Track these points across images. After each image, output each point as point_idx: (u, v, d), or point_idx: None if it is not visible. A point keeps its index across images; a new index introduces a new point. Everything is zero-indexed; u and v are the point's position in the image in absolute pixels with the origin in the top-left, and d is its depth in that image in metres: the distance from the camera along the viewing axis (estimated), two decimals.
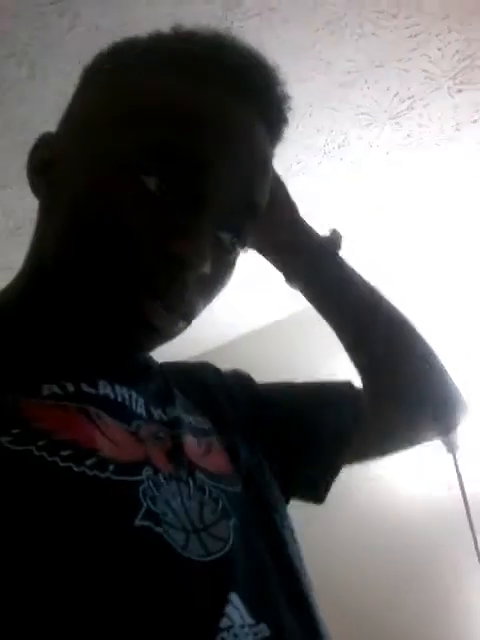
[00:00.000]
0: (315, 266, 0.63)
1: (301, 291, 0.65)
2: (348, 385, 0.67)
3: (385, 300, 0.66)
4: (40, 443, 0.39)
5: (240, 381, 0.64)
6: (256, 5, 1.23)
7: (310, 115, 1.52)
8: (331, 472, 0.62)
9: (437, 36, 1.32)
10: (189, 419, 0.52)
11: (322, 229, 0.67)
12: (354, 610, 1.95)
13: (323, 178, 1.76)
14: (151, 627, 0.36)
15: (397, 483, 2.05)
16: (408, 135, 1.61)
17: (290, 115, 0.51)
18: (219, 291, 0.50)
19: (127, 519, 0.39)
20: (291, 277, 0.64)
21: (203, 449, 0.50)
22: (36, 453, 0.38)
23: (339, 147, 1.65)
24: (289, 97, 0.50)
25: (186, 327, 0.48)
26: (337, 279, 0.64)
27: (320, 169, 1.72)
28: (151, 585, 0.37)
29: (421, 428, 0.68)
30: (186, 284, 0.44)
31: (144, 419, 0.47)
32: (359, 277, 0.66)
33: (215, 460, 0.50)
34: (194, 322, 0.49)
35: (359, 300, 0.65)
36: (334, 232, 0.66)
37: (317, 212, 1.91)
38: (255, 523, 0.47)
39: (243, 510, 0.47)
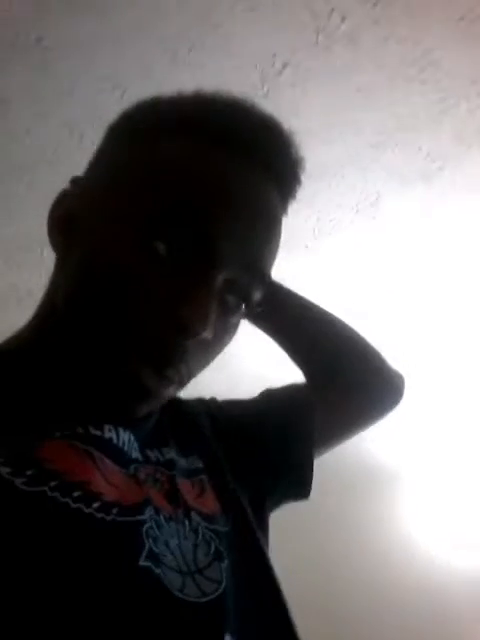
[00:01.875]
0: (274, 300, 0.68)
1: (256, 321, 0.71)
2: (297, 387, 0.72)
3: (328, 312, 0.76)
4: (53, 484, 0.40)
5: (215, 408, 0.65)
6: (293, 75, 1.29)
7: (342, 175, 1.56)
8: (310, 467, 0.65)
9: (466, 99, 1.36)
10: (182, 461, 0.53)
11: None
12: None
13: (355, 236, 1.78)
14: None
15: (432, 552, 1.96)
16: (441, 194, 1.63)
17: (303, 176, 0.52)
18: (219, 354, 0.50)
19: (132, 559, 0.40)
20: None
21: (197, 491, 0.51)
22: (49, 494, 0.39)
23: (371, 205, 1.67)
24: (302, 159, 0.51)
25: (180, 390, 0.49)
26: (291, 306, 0.73)
27: (352, 227, 1.75)
28: (152, 625, 0.38)
29: (367, 409, 0.75)
30: (185, 350, 0.45)
31: (140, 462, 0.48)
32: (301, 296, 0.75)
33: (208, 501, 0.51)
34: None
35: (314, 317, 0.75)
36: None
37: (349, 270, 1.93)
38: (246, 563, 0.48)
39: (234, 550, 0.48)
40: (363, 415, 0.75)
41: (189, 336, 0.43)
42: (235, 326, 0.50)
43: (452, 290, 2.06)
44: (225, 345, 0.50)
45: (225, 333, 0.49)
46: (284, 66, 1.27)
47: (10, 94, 1.30)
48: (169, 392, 0.47)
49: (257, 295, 0.49)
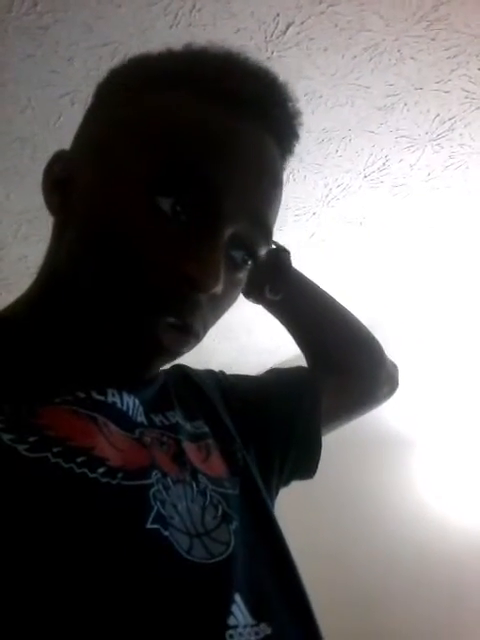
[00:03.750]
0: (285, 280, 0.70)
1: (268, 304, 0.72)
2: (303, 369, 0.74)
3: (333, 299, 0.78)
4: (55, 450, 0.40)
5: (224, 381, 0.66)
6: (296, 36, 1.26)
7: (350, 139, 1.53)
8: (318, 445, 0.66)
9: (477, 56, 1.31)
10: (187, 425, 0.53)
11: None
12: None
13: (364, 201, 1.76)
14: (163, 625, 0.37)
15: (445, 517, 1.98)
16: (450, 156, 1.60)
17: (300, 130, 0.51)
18: (229, 308, 0.50)
19: (140, 522, 0.40)
20: (256, 291, 0.68)
21: (203, 454, 0.51)
22: (52, 460, 0.39)
23: (379, 170, 1.65)
24: (299, 113, 0.50)
25: (195, 345, 0.49)
26: (301, 289, 0.74)
27: (361, 192, 1.72)
28: (160, 586, 0.38)
29: (369, 391, 0.77)
30: (198, 304, 0.45)
31: (145, 426, 0.48)
32: (311, 283, 0.76)
33: (214, 464, 0.51)
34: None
35: (320, 304, 0.76)
36: (281, 247, 0.71)
37: (359, 236, 1.91)
38: (254, 525, 0.48)
39: (242, 512, 0.48)
40: (363, 402, 0.77)
41: (200, 290, 0.43)
42: (242, 282, 0.50)
43: (462, 256, 2.03)
44: (234, 300, 0.50)
45: (233, 288, 0.49)
46: (288, 26, 1.24)
47: (9, 63, 1.28)
48: (185, 347, 0.47)
49: (262, 250, 0.49)
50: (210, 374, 0.66)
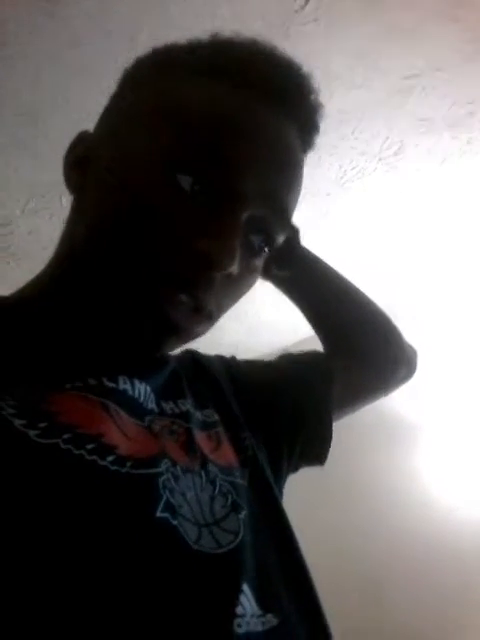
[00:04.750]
0: (293, 260, 0.69)
1: (277, 282, 0.72)
2: (316, 353, 0.73)
3: (347, 280, 0.76)
4: (66, 436, 0.40)
5: (235, 366, 0.66)
6: (315, 11, 1.23)
7: (366, 122, 1.51)
8: (329, 431, 0.65)
9: None
10: (197, 413, 0.53)
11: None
12: (399, 630, 1.89)
13: (378, 184, 1.73)
14: (171, 613, 0.37)
15: (451, 503, 1.99)
16: (468, 142, 1.57)
17: (322, 123, 0.51)
18: (244, 294, 0.50)
19: (149, 511, 0.40)
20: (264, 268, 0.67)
21: (214, 443, 0.51)
22: (63, 446, 0.39)
23: (395, 154, 1.62)
24: (321, 106, 0.50)
25: (209, 328, 0.48)
26: (311, 267, 0.73)
27: (375, 175, 1.70)
28: (168, 576, 0.38)
29: (386, 373, 0.76)
30: (213, 283, 0.44)
31: (155, 414, 0.48)
32: (326, 264, 0.75)
33: (224, 453, 0.51)
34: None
35: (332, 284, 0.75)
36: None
37: (370, 219, 1.89)
38: (263, 516, 0.48)
39: (252, 503, 0.48)
40: (377, 386, 0.75)
41: (214, 268, 0.43)
42: (258, 269, 0.50)
43: (474, 243, 2.01)
44: (250, 286, 0.50)
45: (249, 273, 0.49)
46: (306, 2, 1.21)
47: (17, 38, 1.25)
48: (197, 326, 0.47)
49: (280, 238, 0.49)
50: (220, 360, 0.65)
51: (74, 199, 0.51)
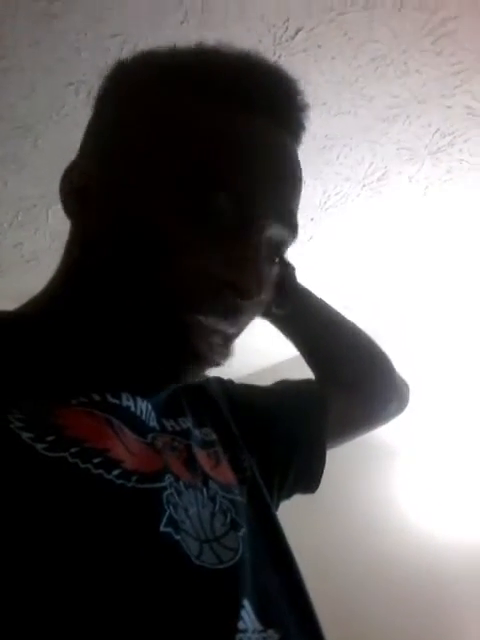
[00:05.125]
0: (290, 298, 0.69)
1: (275, 321, 0.71)
2: (313, 382, 0.73)
3: (339, 313, 0.77)
4: (73, 450, 0.40)
5: (232, 389, 0.66)
6: (304, 42, 1.27)
7: (351, 148, 1.55)
8: (322, 460, 0.66)
9: None
10: (196, 431, 0.53)
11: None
12: None
13: (361, 210, 1.77)
14: (174, 628, 0.37)
15: (432, 529, 1.99)
16: (448, 171, 1.62)
17: (307, 122, 0.52)
18: (263, 307, 0.51)
19: (153, 525, 0.40)
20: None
21: (213, 461, 0.51)
22: (70, 460, 0.39)
23: (378, 180, 1.66)
24: (307, 105, 0.51)
25: (229, 354, 0.48)
26: (307, 304, 0.73)
27: (359, 201, 1.74)
28: (171, 590, 0.38)
29: (378, 407, 0.77)
30: (242, 311, 0.45)
31: (157, 431, 0.48)
32: (318, 298, 0.75)
33: (223, 471, 0.51)
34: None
35: (325, 318, 0.75)
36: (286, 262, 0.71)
37: (353, 244, 1.92)
38: (261, 534, 0.49)
39: (250, 521, 0.48)
40: (369, 418, 0.76)
41: (246, 298, 0.43)
42: (274, 277, 0.50)
43: (456, 269, 2.05)
44: (268, 298, 0.51)
45: (269, 287, 0.49)
46: (297, 31, 1.25)
47: (14, 50, 1.27)
48: (224, 358, 0.47)
49: (289, 245, 0.50)
50: (218, 382, 0.65)
51: (76, 227, 0.50)
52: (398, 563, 1.97)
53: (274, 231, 0.46)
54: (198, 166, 0.43)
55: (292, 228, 0.48)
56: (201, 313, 0.43)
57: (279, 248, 0.49)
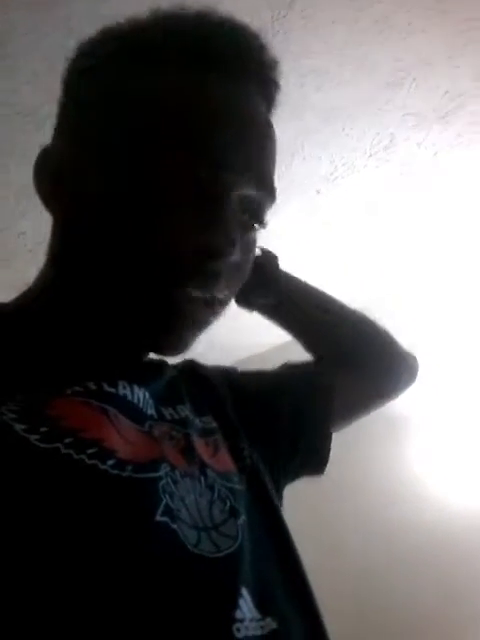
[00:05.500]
0: (275, 286, 0.69)
1: (263, 311, 0.72)
2: (315, 363, 0.73)
3: (331, 297, 0.76)
4: (67, 441, 0.40)
5: (235, 377, 0.66)
6: (303, 8, 1.22)
7: (356, 117, 1.50)
8: (328, 443, 0.66)
9: None
10: (196, 420, 0.53)
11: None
12: (397, 625, 1.90)
13: (369, 180, 1.73)
14: (171, 616, 0.38)
15: (442, 496, 1.99)
16: (458, 135, 1.57)
17: (280, 79, 0.51)
18: (248, 272, 0.50)
19: (149, 514, 0.40)
20: (246, 298, 0.67)
21: (212, 449, 0.52)
22: (63, 451, 0.40)
23: (385, 149, 1.62)
24: (277, 62, 0.50)
25: (223, 313, 0.49)
26: (293, 291, 0.72)
27: (366, 171, 1.69)
28: (168, 579, 0.39)
29: (386, 383, 0.77)
30: (219, 272, 0.45)
31: (155, 419, 0.49)
32: (304, 283, 0.74)
33: (222, 460, 0.52)
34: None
35: (317, 303, 0.75)
36: (267, 251, 0.71)
37: (363, 215, 1.89)
38: (261, 521, 0.49)
39: (250, 508, 0.49)
40: (379, 396, 0.76)
41: (219, 258, 0.43)
42: (255, 243, 0.51)
43: (467, 236, 2.01)
44: (251, 262, 0.51)
45: (248, 251, 0.49)
46: (294, 0, 1.20)
47: (15, 35, 1.24)
48: (213, 317, 0.48)
49: (267, 209, 0.50)
50: (220, 370, 0.65)
51: (57, 214, 0.50)
52: (415, 533, 1.98)
53: (248, 192, 0.46)
54: (165, 134, 0.44)
55: (267, 188, 0.48)
56: (184, 284, 0.44)
57: (256, 211, 0.48)
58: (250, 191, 0.46)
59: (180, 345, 0.47)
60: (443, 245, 2.06)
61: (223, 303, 0.48)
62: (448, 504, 1.97)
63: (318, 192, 1.75)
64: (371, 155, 1.64)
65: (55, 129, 0.52)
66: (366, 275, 2.17)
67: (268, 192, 0.48)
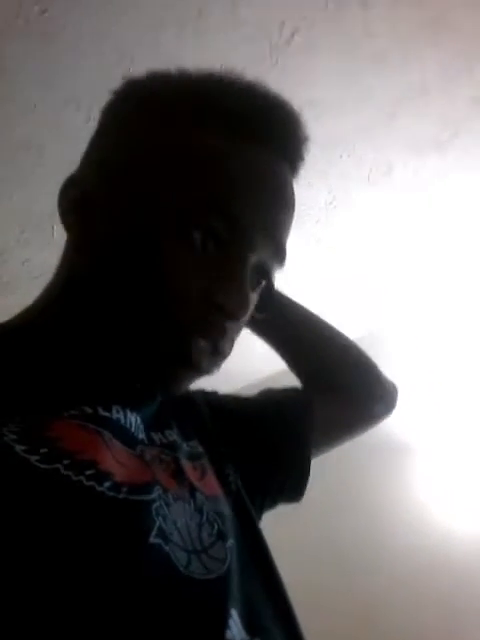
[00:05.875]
0: (269, 304, 0.69)
1: (253, 326, 0.71)
2: (297, 390, 0.74)
3: (320, 319, 0.78)
4: (65, 462, 0.41)
5: (216, 401, 0.67)
6: (302, 42, 1.26)
7: (354, 146, 1.54)
8: (307, 468, 0.66)
9: None
10: (183, 444, 0.54)
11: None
12: None
13: (367, 207, 1.76)
14: (163, 636, 0.38)
15: (446, 524, 1.97)
16: (454, 162, 1.60)
17: (313, 148, 0.53)
18: (244, 324, 0.52)
19: (144, 536, 0.41)
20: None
21: (199, 473, 0.53)
22: (63, 472, 0.40)
23: (383, 176, 1.65)
24: (308, 138, 0.52)
25: (221, 365, 0.50)
26: (285, 310, 0.74)
27: (364, 199, 1.72)
28: (162, 599, 0.39)
29: (365, 409, 0.77)
30: (228, 329, 0.47)
31: (145, 444, 0.50)
32: (299, 305, 0.76)
33: (209, 483, 0.53)
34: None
35: (305, 323, 0.76)
36: None
37: (363, 242, 1.91)
38: (246, 544, 0.50)
39: (236, 531, 0.50)
40: (356, 422, 0.77)
41: (232, 319, 0.46)
42: (256, 300, 0.53)
43: (467, 262, 2.03)
44: (249, 317, 0.52)
45: (252, 308, 0.51)
46: (293, 34, 1.24)
47: (15, 67, 1.28)
48: (216, 367, 0.49)
49: (275, 271, 0.52)
50: (202, 394, 0.66)
51: (72, 239, 0.51)
52: (418, 560, 1.96)
53: (263, 256, 0.49)
54: (195, 191, 0.46)
55: (280, 256, 0.51)
56: (195, 335, 0.46)
57: (266, 274, 0.51)
58: (265, 257, 0.49)
59: (177, 389, 0.49)
60: (442, 271, 2.08)
61: (225, 355, 0.49)
62: (451, 530, 1.96)
63: (317, 222, 1.78)
64: (370, 183, 1.67)
65: (84, 158, 0.53)
66: (366, 302, 2.18)
67: (280, 259, 0.51)
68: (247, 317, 0.47)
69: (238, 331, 0.50)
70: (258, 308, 0.68)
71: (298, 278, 1.93)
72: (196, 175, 0.46)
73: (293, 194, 0.51)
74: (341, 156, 1.56)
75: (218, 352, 0.47)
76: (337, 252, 1.95)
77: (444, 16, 1.21)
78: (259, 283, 0.51)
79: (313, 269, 1.97)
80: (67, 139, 1.41)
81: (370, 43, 1.27)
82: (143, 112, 0.50)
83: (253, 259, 0.48)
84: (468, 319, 2.13)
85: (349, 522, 2.14)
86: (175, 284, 0.45)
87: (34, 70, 1.28)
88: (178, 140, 0.47)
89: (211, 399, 0.66)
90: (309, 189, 1.64)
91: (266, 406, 0.69)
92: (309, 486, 0.66)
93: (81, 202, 0.49)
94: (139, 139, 0.49)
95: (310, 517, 2.01)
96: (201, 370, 0.47)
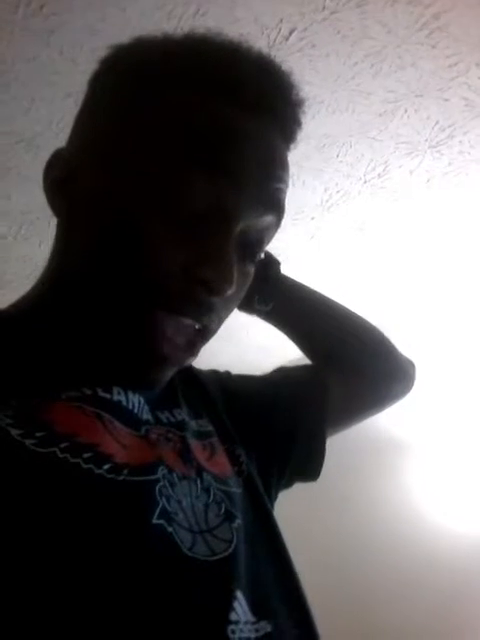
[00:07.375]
0: (276, 291, 0.68)
1: (266, 316, 0.71)
2: (311, 368, 0.72)
3: (331, 300, 0.76)
4: (63, 445, 0.40)
5: (229, 381, 0.65)
6: (298, 42, 1.27)
7: (350, 145, 1.55)
8: (322, 447, 0.65)
9: (477, 65, 1.33)
10: (193, 423, 0.53)
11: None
12: None
13: (363, 207, 1.77)
14: (166, 618, 0.38)
15: (441, 521, 1.98)
16: (449, 163, 1.61)
17: (303, 117, 0.51)
18: (239, 301, 0.50)
19: (145, 517, 0.40)
20: (246, 302, 0.64)
21: (208, 452, 0.51)
22: (60, 455, 0.40)
23: (379, 176, 1.66)
24: (303, 100, 0.50)
25: (208, 341, 0.48)
26: (294, 296, 0.72)
27: (360, 198, 1.73)
28: (163, 582, 0.39)
29: (383, 388, 0.75)
30: (214, 306, 0.45)
31: (151, 423, 0.49)
32: (307, 287, 0.74)
33: (219, 463, 0.51)
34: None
35: (316, 305, 0.74)
36: (268, 256, 0.69)
37: (358, 242, 1.92)
38: (256, 525, 0.49)
39: (245, 512, 0.48)
40: (373, 400, 0.74)
41: (215, 294, 0.43)
42: (251, 273, 0.50)
43: (461, 261, 2.04)
44: (244, 292, 0.50)
45: (244, 282, 0.49)
46: (291, 32, 1.25)
47: (13, 64, 1.29)
48: (202, 345, 0.47)
49: (267, 241, 0.49)
50: (214, 374, 0.65)
51: (60, 219, 0.50)
52: (413, 557, 1.97)
53: (250, 223, 0.46)
54: (178, 162, 0.43)
55: (274, 210, 0.47)
56: (172, 309, 0.43)
57: (255, 247, 0.48)
58: (253, 221, 0.46)
59: (163, 371, 0.46)
60: (437, 272, 2.09)
61: (212, 333, 0.47)
62: (446, 528, 1.96)
63: (313, 219, 1.79)
64: (366, 182, 1.68)
65: (72, 129, 0.52)
66: (361, 301, 2.19)
67: (274, 225, 0.48)
68: (234, 290, 0.44)
69: (228, 307, 0.48)
70: (265, 297, 0.66)
71: (293, 276, 1.94)
72: (173, 138, 0.44)
73: (283, 155, 0.48)
74: (337, 155, 1.57)
75: (204, 330, 0.45)
76: (331, 251, 1.96)
77: (439, 20, 1.22)
78: (252, 253, 0.48)
79: (308, 267, 1.98)
80: (65, 134, 1.42)
81: (366, 43, 1.28)
82: (125, 77, 0.48)
83: (238, 226, 0.44)
84: (465, 317, 2.14)
85: (344, 519, 2.15)
86: (153, 259, 0.43)
87: (32, 66, 1.29)
88: (157, 103, 0.45)
89: (223, 378, 0.65)
90: (304, 188, 1.65)
91: (280, 385, 0.67)
92: (303, 484, 0.66)
93: (65, 179, 0.48)
94: (116, 106, 0.47)
95: (303, 516, 2.02)
96: (184, 349, 0.45)
